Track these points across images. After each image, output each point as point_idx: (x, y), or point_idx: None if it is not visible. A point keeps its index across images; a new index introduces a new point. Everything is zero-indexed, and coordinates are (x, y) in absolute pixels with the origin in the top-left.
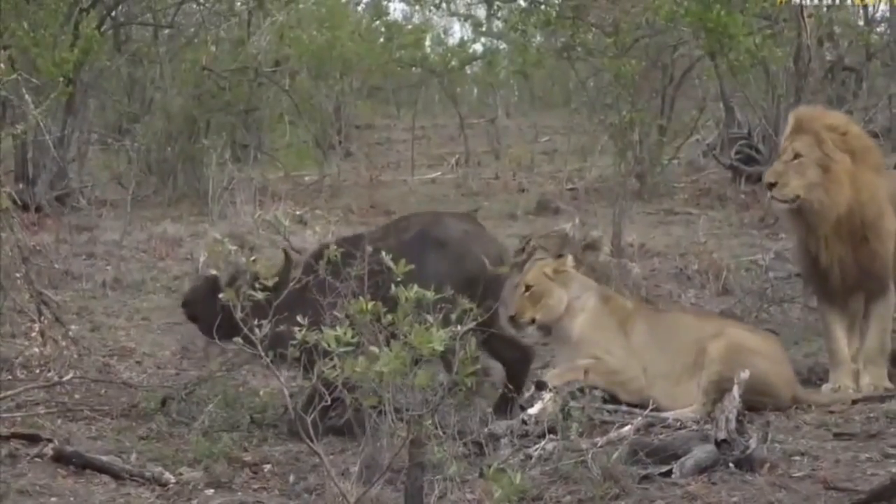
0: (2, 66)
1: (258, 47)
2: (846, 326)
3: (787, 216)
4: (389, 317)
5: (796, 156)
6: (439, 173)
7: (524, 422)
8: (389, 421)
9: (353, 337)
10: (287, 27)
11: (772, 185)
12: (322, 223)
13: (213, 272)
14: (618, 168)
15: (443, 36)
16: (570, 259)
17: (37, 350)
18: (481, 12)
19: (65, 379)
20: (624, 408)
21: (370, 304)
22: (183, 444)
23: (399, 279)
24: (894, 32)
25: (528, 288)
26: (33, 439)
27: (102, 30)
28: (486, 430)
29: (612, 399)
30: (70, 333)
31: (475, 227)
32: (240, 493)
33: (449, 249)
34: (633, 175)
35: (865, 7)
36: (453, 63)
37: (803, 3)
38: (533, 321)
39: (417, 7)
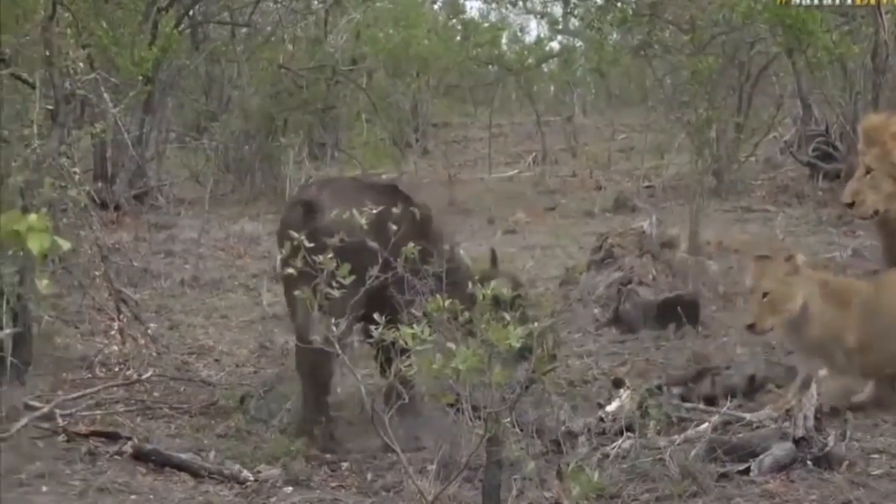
0: (81, 65)
1: (335, 46)
2: None
3: (872, 226)
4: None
5: (868, 170)
6: (516, 171)
7: (602, 419)
8: (467, 418)
9: (430, 335)
10: (364, 25)
11: (850, 205)
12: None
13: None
14: (695, 165)
15: (519, 34)
16: (800, 258)
17: (116, 348)
18: (558, 10)
19: (144, 377)
20: (701, 405)
21: (447, 302)
22: (261, 442)
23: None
24: None
25: (765, 294)
26: (113, 437)
27: (180, 29)
28: (563, 427)
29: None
30: (149, 331)
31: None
32: (318, 491)
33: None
34: (710, 172)
35: None
36: (530, 61)
37: None
38: (772, 328)
39: (494, 5)
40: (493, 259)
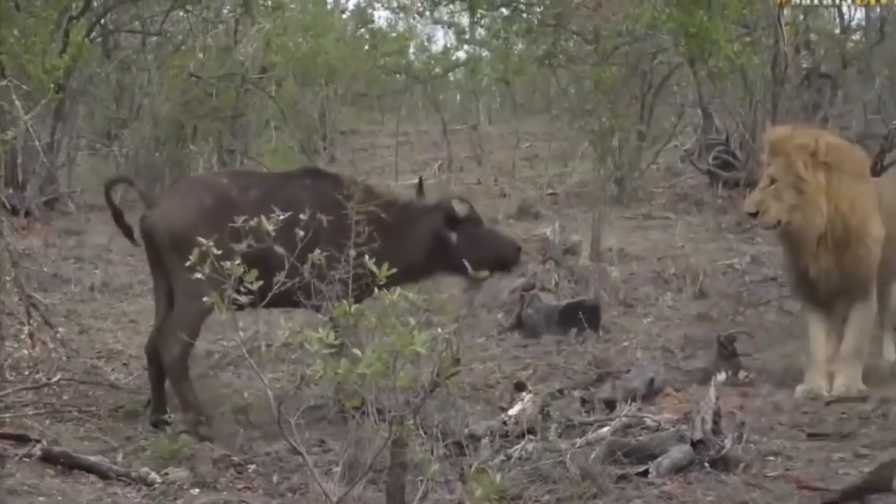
0: None
1: (245, 54)
2: (826, 330)
3: (774, 235)
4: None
5: (772, 181)
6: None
7: (504, 423)
8: (372, 421)
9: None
10: (273, 34)
11: (753, 215)
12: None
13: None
14: (597, 173)
15: (426, 43)
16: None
17: (26, 352)
18: (464, 20)
19: (53, 380)
20: (601, 408)
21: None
22: (168, 444)
23: None
24: (869, 40)
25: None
26: (22, 440)
27: (91, 37)
28: (466, 430)
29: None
30: (58, 336)
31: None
32: (224, 493)
33: None
34: (613, 180)
35: (841, 15)
36: (436, 70)
37: (781, 11)
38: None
39: (401, 15)
40: (420, 186)
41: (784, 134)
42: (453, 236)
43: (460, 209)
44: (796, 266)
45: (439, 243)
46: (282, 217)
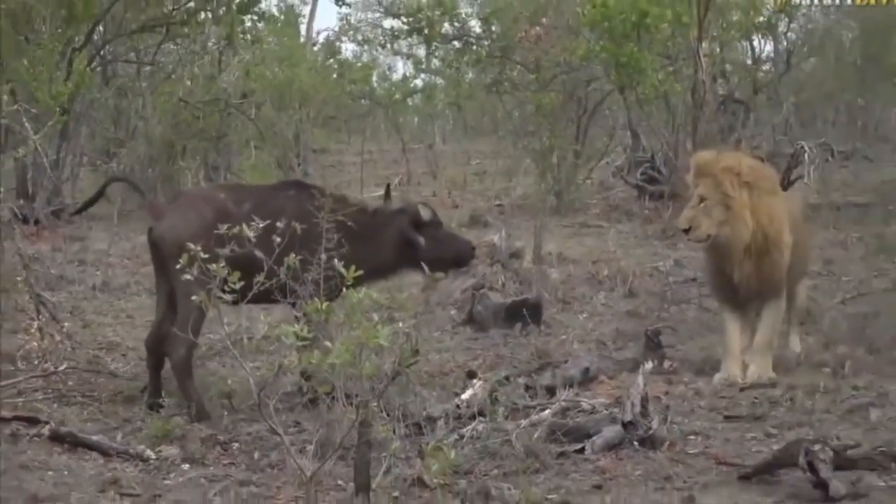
0: (5, 97)
1: (227, 82)
2: (741, 325)
3: (703, 248)
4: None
5: (702, 199)
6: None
7: (458, 406)
8: (341, 405)
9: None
10: (252, 65)
11: (686, 231)
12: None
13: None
14: (539, 187)
15: (387, 72)
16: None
17: (35, 344)
18: (421, 52)
19: (60, 369)
20: (543, 393)
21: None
22: (162, 425)
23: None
24: (777, 70)
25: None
26: (32, 421)
27: (92, 66)
28: (424, 413)
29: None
30: (64, 330)
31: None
32: (211, 468)
33: None
34: (552, 193)
35: (753, 48)
36: (397, 96)
37: (699, 44)
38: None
39: (366, 47)
40: (387, 193)
41: (710, 157)
42: (418, 237)
43: (424, 213)
44: (721, 273)
45: (406, 243)
46: (263, 224)
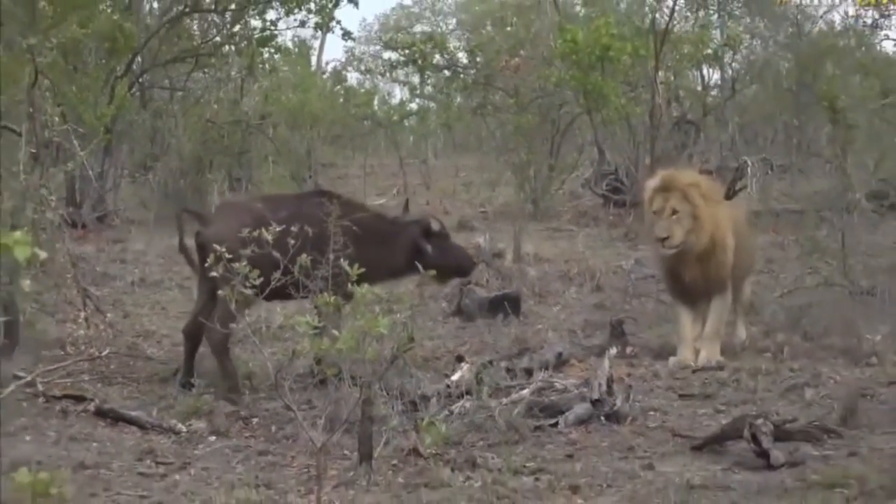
0: (56, 119)
1: (248, 105)
2: (692, 317)
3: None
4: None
5: (674, 212)
6: (384, 200)
7: (448, 386)
8: (347, 385)
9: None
10: (270, 91)
11: (663, 240)
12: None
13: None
14: (518, 196)
15: (387, 97)
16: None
17: (82, 332)
18: (416, 80)
19: (103, 354)
20: (522, 375)
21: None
22: (192, 402)
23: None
24: (724, 95)
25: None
26: (79, 399)
27: (132, 92)
28: (419, 392)
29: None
30: (107, 320)
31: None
32: (234, 440)
33: None
34: (529, 201)
35: (702, 76)
36: (395, 117)
37: (656, 73)
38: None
39: (368, 76)
40: (406, 206)
41: (676, 174)
42: (427, 246)
43: (434, 225)
44: (674, 272)
45: (416, 250)
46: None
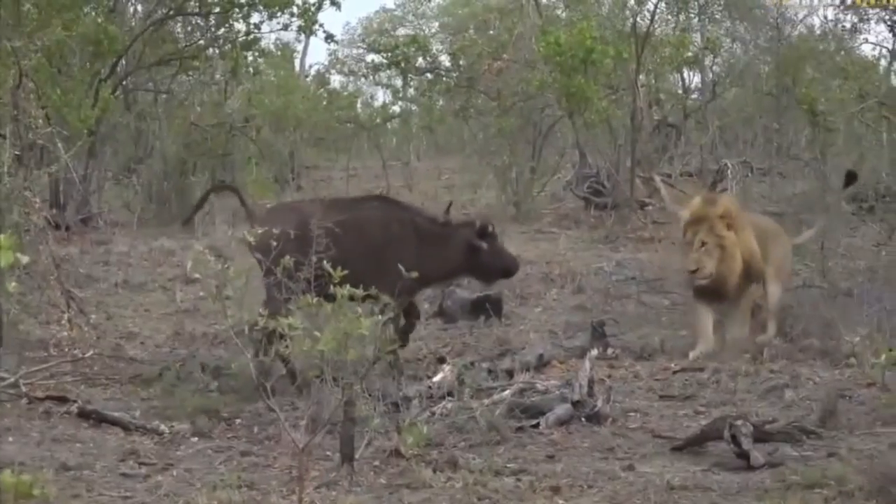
0: (40, 121)
1: (232, 108)
2: (711, 314)
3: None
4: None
5: (703, 244)
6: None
7: (430, 387)
8: (329, 386)
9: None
10: (254, 93)
11: (694, 271)
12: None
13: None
14: (500, 198)
15: (370, 100)
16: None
17: (65, 334)
18: (398, 82)
19: (86, 355)
20: (503, 376)
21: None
22: (175, 403)
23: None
24: (704, 98)
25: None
26: (63, 400)
27: (116, 95)
28: (401, 393)
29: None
30: (90, 321)
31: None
32: (217, 441)
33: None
34: (511, 203)
35: (683, 79)
36: (377, 120)
37: (637, 76)
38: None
39: (351, 78)
40: (448, 208)
41: (707, 205)
42: (483, 245)
43: (490, 226)
44: (710, 291)
45: (470, 250)
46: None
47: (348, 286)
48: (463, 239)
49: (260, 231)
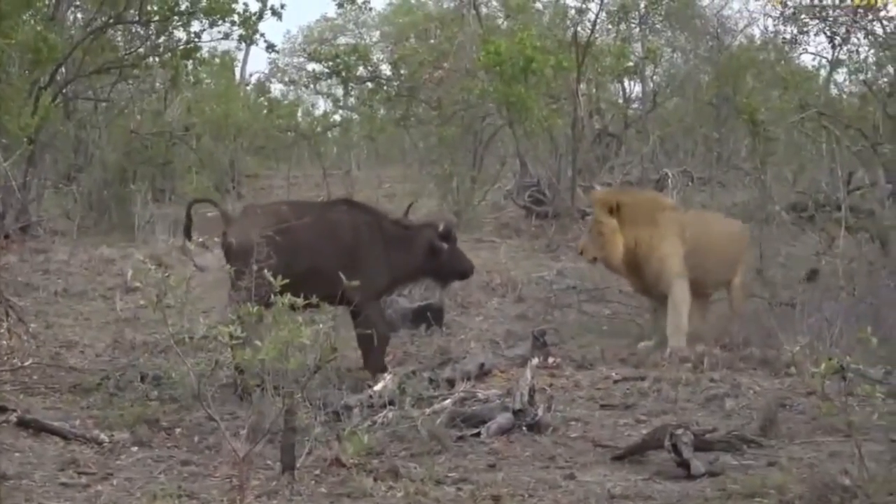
0: None
1: (172, 116)
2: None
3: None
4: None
5: (591, 229)
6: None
7: (371, 396)
8: (269, 395)
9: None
10: (194, 102)
11: (581, 253)
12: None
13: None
14: (440, 207)
15: (310, 109)
16: None
17: (4, 343)
18: (339, 91)
19: (26, 364)
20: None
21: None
22: (115, 413)
23: None
24: (645, 108)
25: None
26: (2, 410)
27: (55, 103)
28: (342, 402)
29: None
30: (30, 330)
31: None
32: (157, 450)
33: None
34: (452, 212)
35: (624, 89)
36: (318, 129)
37: (578, 85)
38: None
39: (291, 87)
40: (407, 211)
41: (595, 193)
42: (443, 247)
43: (451, 228)
44: (626, 278)
45: (432, 252)
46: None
47: (304, 294)
48: (426, 241)
49: (237, 233)
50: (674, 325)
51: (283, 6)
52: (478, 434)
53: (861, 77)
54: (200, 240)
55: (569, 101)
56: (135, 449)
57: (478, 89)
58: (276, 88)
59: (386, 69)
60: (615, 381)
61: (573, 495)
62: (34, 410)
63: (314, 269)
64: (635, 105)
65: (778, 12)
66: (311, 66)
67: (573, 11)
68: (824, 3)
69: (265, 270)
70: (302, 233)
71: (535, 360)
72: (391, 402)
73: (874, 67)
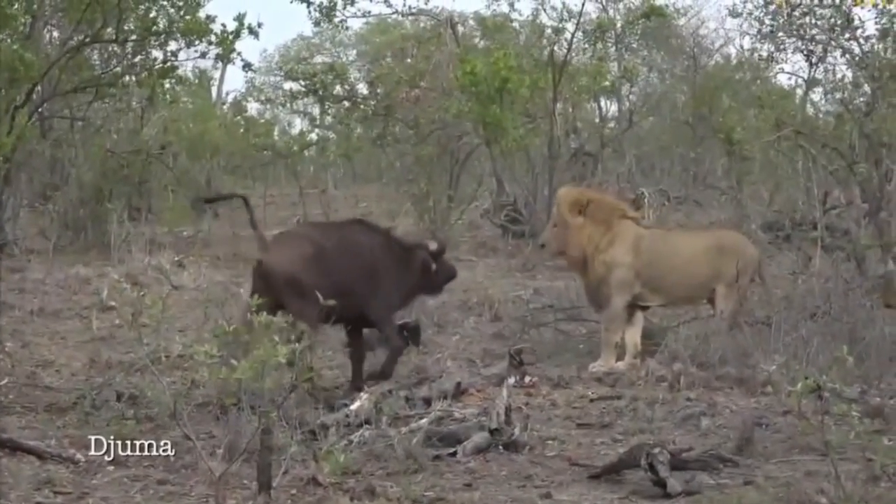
0: None
1: (149, 135)
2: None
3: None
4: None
5: (555, 225)
6: (284, 230)
7: (347, 415)
8: (246, 414)
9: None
10: (170, 120)
11: (542, 246)
12: (195, 267)
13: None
14: (417, 226)
15: (287, 128)
16: None
17: None
18: (316, 110)
19: (1, 383)
20: (421, 404)
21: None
22: (91, 432)
23: None
24: (621, 127)
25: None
26: None
27: (32, 122)
28: (318, 421)
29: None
30: (5, 349)
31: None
32: (133, 469)
33: None
34: (429, 231)
35: (600, 108)
36: (294, 148)
37: (555, 104)
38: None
39: (268, 106)
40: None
41: (561, 191)
42: (434, 266)
43: (442, 246)
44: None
45: (427, 270)
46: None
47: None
48: (421, 260)
49: (277, 260)
50: (603, 343)
51: (260, 25)
52: (454, 453)
53: (837, 96)
54: (177, 259)
55: (545, 121)
56: (111, 468)
57: (454, 108)
58: (253, 107)
59: (363, 88)
60: (591, 400)
61: None
62: (9, 430)
63: (344, 292)
64: (612, 124)
65: (755, 30)
66: (288, 85)
67: (549, 31)
68: (801, 21)
69: (316, 293)
70: (331, 256)
71: (512, 379)
72: (368, 422)
73: (850, 86)
